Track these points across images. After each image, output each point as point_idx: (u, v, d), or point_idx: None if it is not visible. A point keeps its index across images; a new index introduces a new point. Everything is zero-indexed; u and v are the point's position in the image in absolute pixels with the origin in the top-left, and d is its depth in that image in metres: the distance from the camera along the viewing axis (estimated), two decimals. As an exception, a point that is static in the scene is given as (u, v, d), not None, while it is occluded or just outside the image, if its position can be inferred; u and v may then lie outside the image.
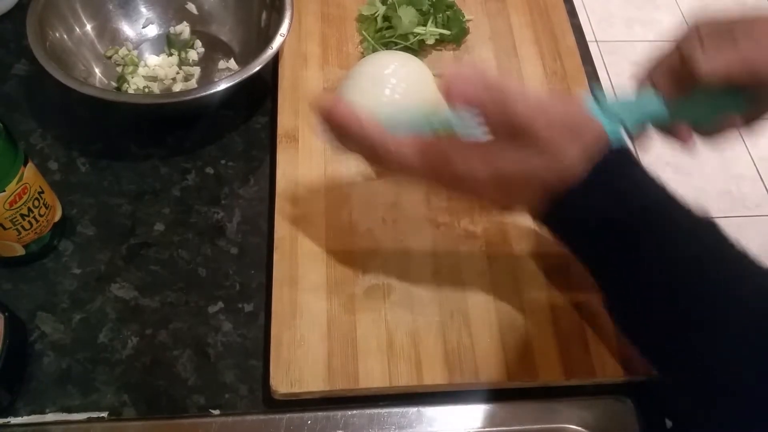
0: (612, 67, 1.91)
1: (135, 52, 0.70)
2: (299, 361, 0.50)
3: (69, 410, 0.50)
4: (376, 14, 0.65)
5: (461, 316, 0.54)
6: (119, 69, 0.68)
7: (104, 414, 0.50)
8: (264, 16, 0.68)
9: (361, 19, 0.66)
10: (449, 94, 0.43)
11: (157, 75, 0.68)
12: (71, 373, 0.51)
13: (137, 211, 0.60)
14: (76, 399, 0.50)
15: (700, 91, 0.45)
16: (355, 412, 0.50)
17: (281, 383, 0.50)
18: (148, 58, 0.70)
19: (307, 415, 0.50)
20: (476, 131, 0.43)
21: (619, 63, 1.92)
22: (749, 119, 0.48)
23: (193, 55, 0.70)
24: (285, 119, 0.64)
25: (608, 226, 0.43)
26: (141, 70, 0.68)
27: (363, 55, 0.65)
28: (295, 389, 0.49)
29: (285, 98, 0.65)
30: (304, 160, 0.62)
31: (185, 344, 0.53)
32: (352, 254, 0.56)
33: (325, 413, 0.50)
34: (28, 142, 0.64)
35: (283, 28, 0.63)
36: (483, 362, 0.51)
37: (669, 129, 0.48)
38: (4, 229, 0.52)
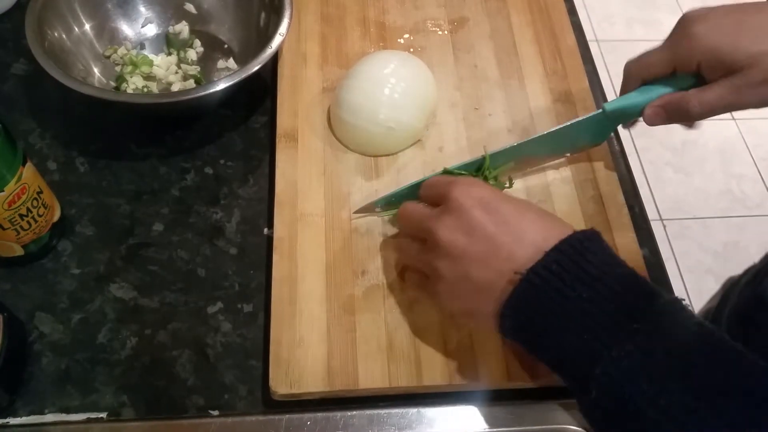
0: (612, 66, 1.91)
1: (134, 52, 0.69)
2: (299, 361, 0.50)
3: (68, 411, 0.50)
4: None
5: (461, 317, 0.53)
6: (118, 68, 0.68)
7: (103, 414, 0.50)
8: (263, 15, 0.68)
9: None
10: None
11: (156, 74, 0.68)
12: (70, 373, 0.51)
13: (136, 211, 0.60)
14: (75, 399, 0.50)
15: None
16: (354, 412, 0.50)
17: (280, 384, 0.49)
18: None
19: (306, 415, 0.50)
20: None
21: (619, 63, 1.88)
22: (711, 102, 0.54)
23: (192, 54, 0.70)
24: (284, 119, 0.64)
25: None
26: (144, 69, 0.68)
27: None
28: (295, 390, 0.49)
29: (284, 98, 0.65)
30: (304, 160, 0.61)
31: (184, 344, 0.53)
32: (352, 254, 0.56)
33: (324, 414, 0.50)
34: (27, 142, 0.64)
35: (283, 28, 0.63)
36: (483, 363, 0.51)
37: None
38: (3, 229, 0.52)
